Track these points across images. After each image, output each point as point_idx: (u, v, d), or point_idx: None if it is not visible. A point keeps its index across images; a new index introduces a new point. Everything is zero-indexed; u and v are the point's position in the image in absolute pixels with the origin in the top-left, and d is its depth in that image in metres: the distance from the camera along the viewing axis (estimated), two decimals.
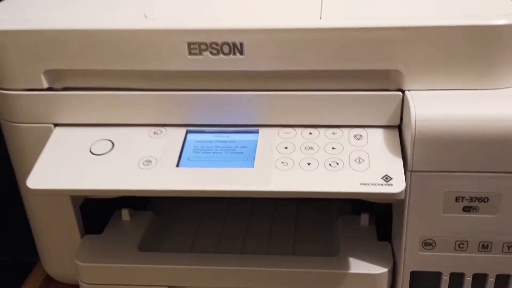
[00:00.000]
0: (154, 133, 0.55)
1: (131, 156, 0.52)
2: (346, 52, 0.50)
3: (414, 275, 0.57)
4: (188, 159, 0.52)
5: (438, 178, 0.50)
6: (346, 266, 0.57)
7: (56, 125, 0.56)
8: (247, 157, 0.51)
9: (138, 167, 0.51)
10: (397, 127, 0.53)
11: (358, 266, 0.57)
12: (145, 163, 0.51)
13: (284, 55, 0.50)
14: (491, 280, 0.56)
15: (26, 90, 0.55)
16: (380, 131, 0.53)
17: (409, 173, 0.50)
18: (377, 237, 0.62)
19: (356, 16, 0.50)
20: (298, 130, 0.54)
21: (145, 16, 0.52)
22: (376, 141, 0.52)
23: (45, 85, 0.54)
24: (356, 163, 0.50)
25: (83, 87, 0.55)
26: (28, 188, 0.50)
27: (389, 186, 0.47)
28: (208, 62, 0.51)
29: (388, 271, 0.57)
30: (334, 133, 0.53)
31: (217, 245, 0.64)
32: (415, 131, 0.48)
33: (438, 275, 0.56)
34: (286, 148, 0.52)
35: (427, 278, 0.57)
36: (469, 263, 0.55)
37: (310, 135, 0.53)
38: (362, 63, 0.50)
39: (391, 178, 0.48)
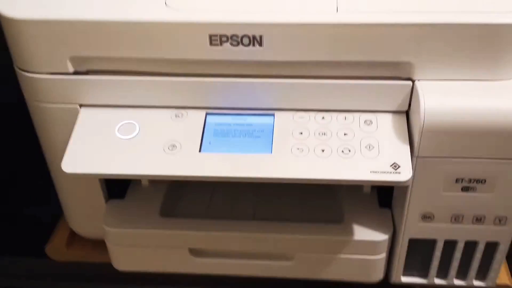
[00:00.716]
0: (176, 115, 0.58)
1: (156, 140, 0.56)
2: (360, 45, 0.52)
3: (411, 240, 0.63)
4: (210, 143, 0.56)
5: (442, 162, 0.54)
6: (351, 232, 0.63)
7: (81, 105, 0.59)
8: (265, 142, 0.55)
9: (163, 151, 0.55)
10: (405, 112, 0.57)
11: (362, 233, 0.63)
12: (170, 147, 0.55)
13: (301, 47, 0.53)
14: (480, 247, 0.62)
15: (53, 73, 0.57)
16: (389, 117, 0.56)
17: (415, 158, 0.54)
18: (378, 202, 0.67)
19: (370, 9, 0.52)
20: (312, 114, 0.57)
21: (166, 4, 0.54)
22: (385, 127, 0.55)
23: (71, 69, 0.57)
24: (366, 150, 0.54)
25: (108, 70, 0.57)
26: (63, 171, 0.54)
27: (397, 175, 0.52)
28: (228, 52, 0.53)
29: (389, 238, 0.63)
30: (345, 118, 0.56)
31: (231, 209, 0.69)
32: (423, 122, 0.52)
33: (433, 241, 0.62)
34: (301, 133, 0.56)
35: (423, 244, 0.63)
36: (463, 232, 0.61)
37: (323, 120, 0.57)
38: (375, 55, 0.53)
39: (399, 166, 0.52)
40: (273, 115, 0.57)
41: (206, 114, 0.58)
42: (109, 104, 0.59)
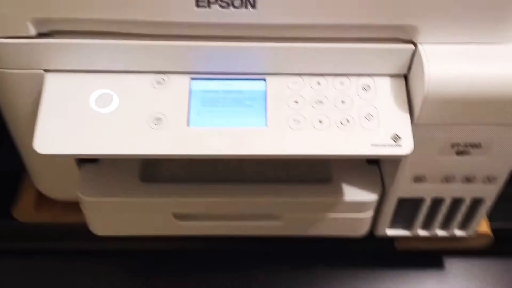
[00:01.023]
0: (157, 82, 0.52)
1: (138, 112, 0.51)
2: (363, 6, 0.48)
3: (400, 199, 0.62)
4: (198, 115, 0.51)
5: (440, 129, 0.53)
6: (340, 193, 0.62)
7: (47, 70, 0.52)
8: (258, 112, 0.51)
9: (149, 126, 0.50)
10: (403, 76, 0.54)
11: (351, 193, 0.62)
12: (155, 121, 0.50)
13: (299, 9, 0.48)
14: (466, 203, 0.63)
15: (11, 37, 0.49)
16: (387, 81, 0.53)
17: (414, 125, 0.52)
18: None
19: None
20: (306, 79, 0.53)
21: None
22: (384, 93, 0.52)
23: (33, 32, 0.49)
24: (365, 120, 0.51)
25: (76, 31, 0.50)
26: (36, 152, 0.49)
27: (398, 148, 0.49)
28: (216, 14, 0.48)
29: (378, 197, 0.62)
30: (342, 83, 0.53)
31: (214, 170, 0.66)
32: (427, 91, 0.49)
33: (421, 199, 0.62)
34: (296, 102, 0.52)
35: (411, 201, 0.63)
36: (451, 190, 0.61)
37: (318, 85, 0.53)
38: (378, 18, 0.49)
39: (400, 138, 0.50)
40: (265, 80, 0.53)
41: (191, 79, 0.53)
42: (79, 69, 0.52)
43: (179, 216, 0.64)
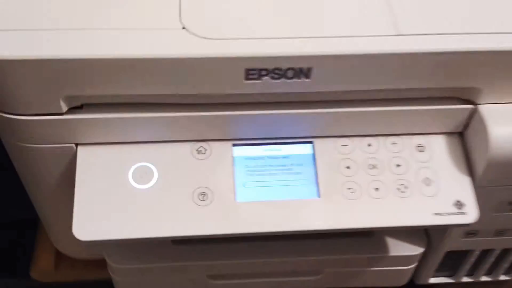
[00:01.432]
0: (198, 151, 0.49)
1: (182, 187, 0.47)
2: (422, 72, 0.44)
3: (448, 251, 0.60)
4: (244, 186, 0.48)
5: (499, 190, 0.50)
6: (383, 248, 0.59)
7: (78, 144, 0.48)
8: (309, 181, 0.48)
9: (194, 203, 0.46)
10: (458, 133, 0.51)
11: (395, 247, 0.59)
12: (200, 197, 0.47)
13: (355, 76, 0.44)
14: None
15: (41, 114, 0.45)
16: (442, 140, 0.50)
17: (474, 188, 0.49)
18: None
19: (433, 31, 0.43)
20: (356, 141, 0.50)
21: (183, 27, 0.43)
22: (440, 154, 0.49)
23: (64, 108, 0.45)
24: (424, 185, 0.48)
25: (110, 103, 0.46)
26: (78, 239, 0.45)
27: (463, 216, 0.47)
28: (267, 86, 0.44)
29: (424, 250, 0.59)
30: (394, 144, 0.50)
31: None
32: (491, 154, 0.46)
33: (470, 251, 0.60)
34: (348, 167, 0.49)
35: (459, 252, 0.60)
36: (502, 242, 0.58)
37: (369, 147, 0.50)
38: (437, 82, 0.45)
39: (463, 204, 0.47)
40: (312, 143, 0.50)
41: (232, 145, 0.49)
42: (112, 141, 0.48)
43: (213, 276, 0.61)
